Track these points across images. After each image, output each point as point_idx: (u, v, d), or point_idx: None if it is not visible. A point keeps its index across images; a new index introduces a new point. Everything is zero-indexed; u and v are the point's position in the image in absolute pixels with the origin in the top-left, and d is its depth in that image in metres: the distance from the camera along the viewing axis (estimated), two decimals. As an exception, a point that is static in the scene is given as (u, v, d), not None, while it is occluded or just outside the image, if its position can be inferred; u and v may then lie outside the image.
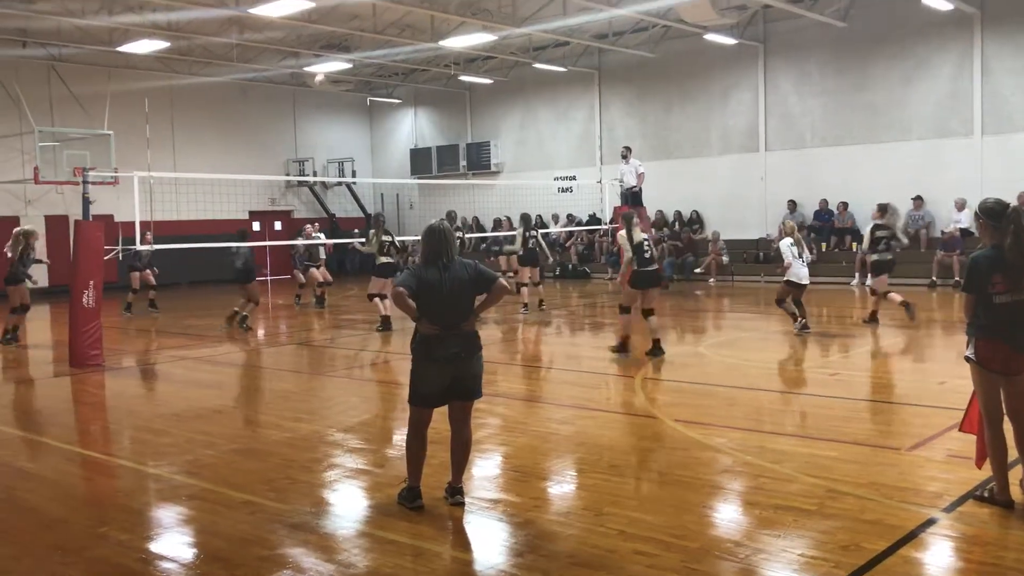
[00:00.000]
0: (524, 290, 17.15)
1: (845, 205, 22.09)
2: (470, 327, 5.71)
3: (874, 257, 14.04)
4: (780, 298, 13.41)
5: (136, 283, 18.82)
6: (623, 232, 11.81)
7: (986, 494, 5.49)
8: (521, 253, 17.16)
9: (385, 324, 14.76)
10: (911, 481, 6.05)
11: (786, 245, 13.26)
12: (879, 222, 14.20)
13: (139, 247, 15.17)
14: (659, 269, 12.18)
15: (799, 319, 13.23)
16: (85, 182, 12.49)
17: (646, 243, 11.61)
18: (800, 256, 13.15)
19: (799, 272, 13.17)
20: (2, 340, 14.44)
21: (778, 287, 13.63)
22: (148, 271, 18.99)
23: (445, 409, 5.79)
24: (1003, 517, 5.28)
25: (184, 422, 8.60)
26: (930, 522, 5.25)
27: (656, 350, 11.53)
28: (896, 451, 6.77)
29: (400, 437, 6.98)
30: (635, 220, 11.90)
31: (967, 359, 5.48)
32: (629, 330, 11.78)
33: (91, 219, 12.36)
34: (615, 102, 26.83)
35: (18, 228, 14.99)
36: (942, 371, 10.63)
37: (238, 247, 15.63)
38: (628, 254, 11.68)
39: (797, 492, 5.83)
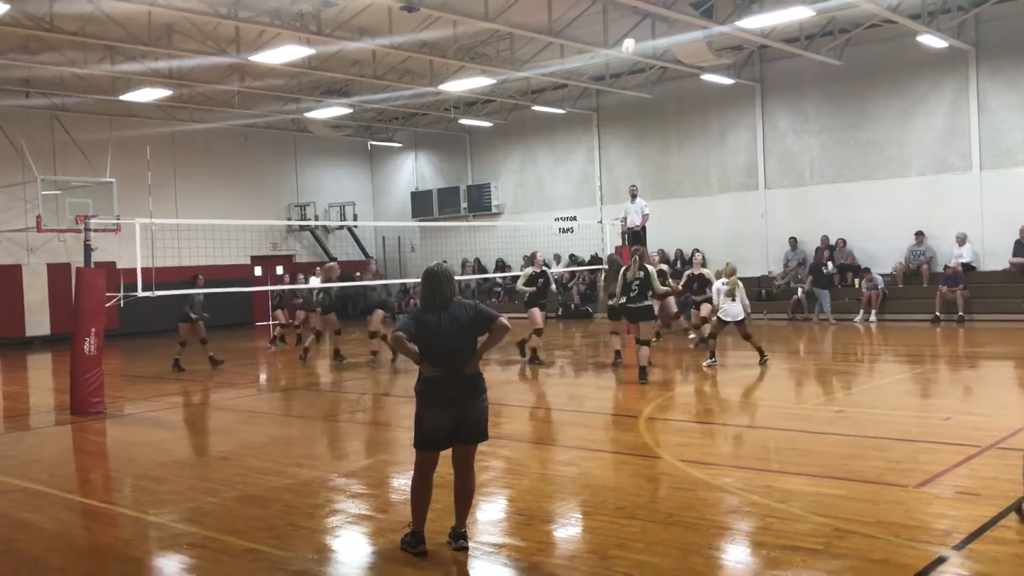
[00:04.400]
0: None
1: (844, 242, 22.12)
2: (472, 369, 5.68)
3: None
4: (713, 333, 14.25)
5: (184, 335, 16.86)
6: (650, 269, 12.98)
7: None
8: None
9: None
10: (919, 519, 5.97)
11: (717, 287, 14.00)
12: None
13: (193, 291, 15.60)
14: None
15: (713, 356, 14.05)
16: (87, 229, 12.53)
17: (635, 284, 12.68)
18: (732, 296, 13.70)
19: (728, 310, 13.71)
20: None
21: (712, 323, 14.42)
22: (200, 322, 16.97)
23: (449, 452, 5.74)
24: (1015, 555, 5.21)
25: (185, 469, 8.54)
26: (940, 560, 5.17)
27: (642, 376, 12.42)
28: (903, 488, 6.70)
29: (402, 481, 6.92)
30: (639, 258, 12.90)
31: None
32: (646, 359, 12.70)
33: (93, 266, 12.38)
34: (614, 143, 27.00)
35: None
36: (947, 407, 10.56)
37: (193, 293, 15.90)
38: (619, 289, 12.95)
39: (805, 532, 5.76)
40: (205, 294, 16.39)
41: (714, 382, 12.88)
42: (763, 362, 13.76)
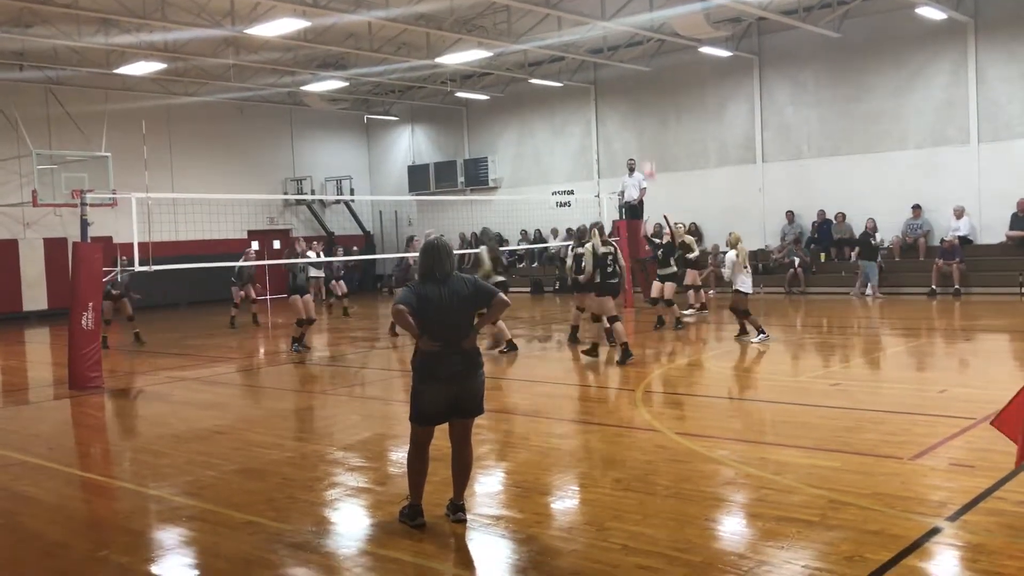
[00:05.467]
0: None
1: (843, 215, 22.11)
2: (471, 344, 5.69)
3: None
4: (740, 308, 13.93)
5: (108, 312, 16.21)
6: (588, 244, 12.66)
7: None
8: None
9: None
10: (914, 490, 6.02)
11: (730, 258, 13.89)
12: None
13: (117, 270, 14.60)
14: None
15: (753, 331, 13.77)
16: (83, 204, 12.49)
17: (609, 256, 12.38)
18: (745, 267, 13.80)
19: (747, 281, 13.81)
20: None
21: (732, 299, 14.21)
22: (125, 299, 17.05)
23: (446, 426, 5.77)
24: (1008, 526, 5.26)
25: (184, 443, 8.58)
26: (934, 531, 5.22)
27: (626, 354, 12.08)
28: (898, 460, 6.75)
29: (401, 455, 6.95)
30: (598, 232, 12.75)
31: None
32: (599, 337, 12.83)
33: (89, 241, 12.36)
34: (611, 116, 26.89)
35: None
36: (943, 379, 10.62)
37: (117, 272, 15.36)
38: (589, 267, 12.56)
39: (799, 503, 5.81)
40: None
41: (710, 355, 12.92)
42: (763, 339, 13.64)
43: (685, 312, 17.19)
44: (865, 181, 21.84)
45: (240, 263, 19.02)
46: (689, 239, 17.07)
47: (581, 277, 13.23)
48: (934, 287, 19.82)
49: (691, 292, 17.85)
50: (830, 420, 8.37)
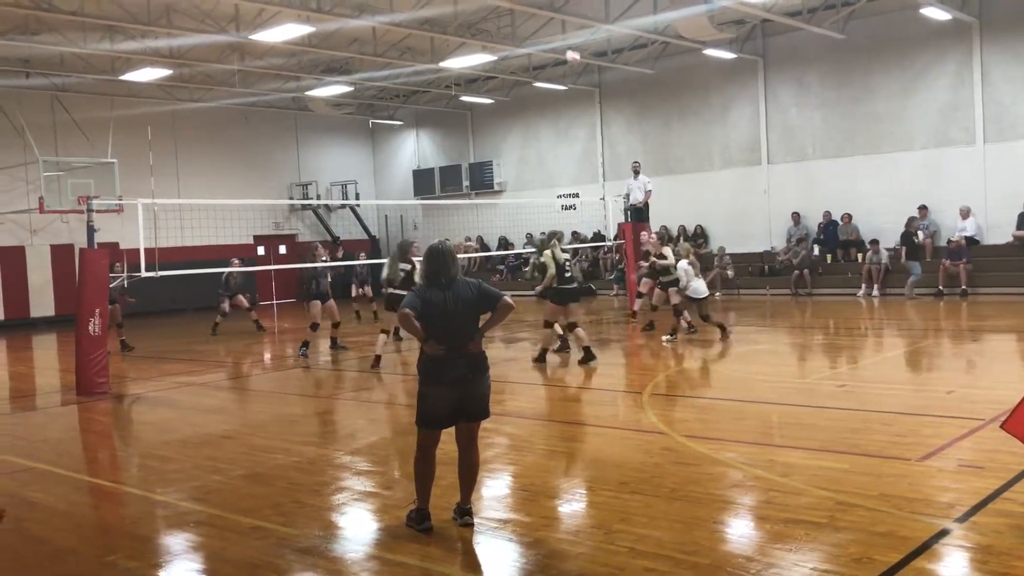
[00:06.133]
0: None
1: (849, 216, 22.08)
2: (476, 347, 5.69)
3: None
4: (680, 310, 14.54)
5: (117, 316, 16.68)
6: (548, 251, 12.71)
7: None
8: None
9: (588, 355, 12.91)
10: (922, 492, 6.00)
11: (683, 267, 14.33)
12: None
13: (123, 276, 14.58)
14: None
15: (685, 330, 14.60)
16: (89, 210, 12.51)
17: (568, 263, 12.53)
18: (697, 274, 14.32)
19: (697, 287, 14.22)
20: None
21: (679, 300, 14.59)
22: (115, 304, 16.45)
23: (452, 429, 5.77)
24: (1017, 527, 5.24)
25: (191, 448, 8.59)
26: (943, 533, 5.20)
27: (588, 356, 12.37)
28: (906, 462, 6.73)
29: (407, 458, 6.95)
30: (557, 240, 12.83)
31: None
32: (549, 343, 12.94)
33: (96, 247, 12.38)
34: (616, 119, 26.90)
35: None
36: (950, 380, 10.59)
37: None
38: (551, 271, 12.51)
39: (807, 505, 5.80)
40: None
41: (717, 358, 12.91)
42: (725, 338, 14.05)
43: (665, 339, 16.80)
44: (871, 182, 21.81)
45: (228, 270, 18.84)
46: (665, 250, 15.99)
47: (539, 287, 13.17)
48: (941, 287, 19.78)
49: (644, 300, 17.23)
50: (837, 421, 8.35)
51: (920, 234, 20.72)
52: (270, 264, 26.12)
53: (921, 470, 6.53)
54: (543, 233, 14.23)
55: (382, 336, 13.52)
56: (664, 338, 14.35)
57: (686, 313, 14.84)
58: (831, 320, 17.60)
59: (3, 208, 24.02)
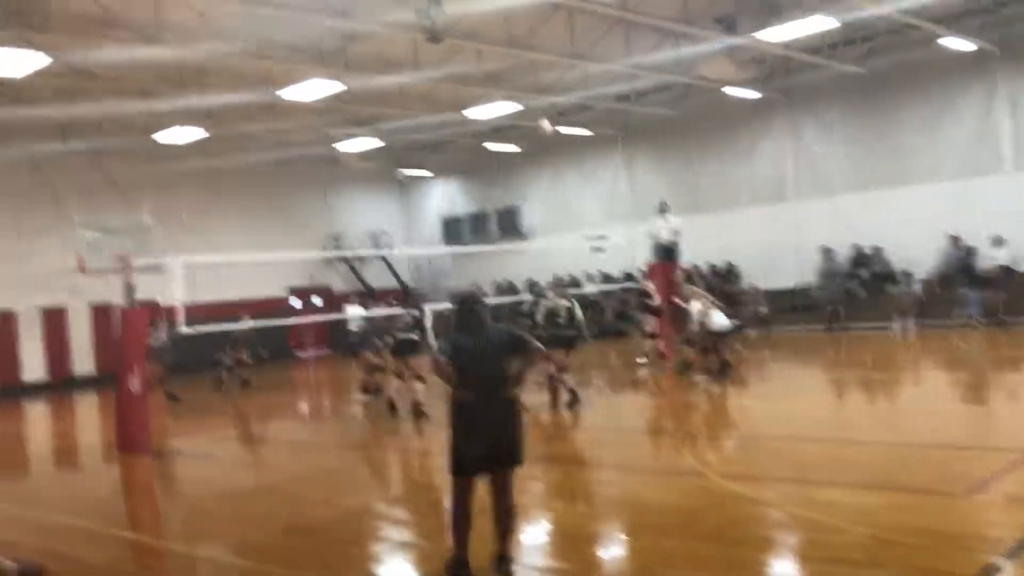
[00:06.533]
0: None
1: (879, 249, 21.94)
2: (507, 394, 5.72)
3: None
4: (707, 348, 14.26)
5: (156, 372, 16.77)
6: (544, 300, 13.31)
7: None
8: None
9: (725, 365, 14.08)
10: (968, 527, 5.92)
11: (695, 308, 14.15)
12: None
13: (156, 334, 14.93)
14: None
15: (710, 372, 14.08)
16: (128, 270, 12.76)
17: (563, 310, 12.81)
18: (712, 310, 14.11)
19: (718, 320, 14.00)
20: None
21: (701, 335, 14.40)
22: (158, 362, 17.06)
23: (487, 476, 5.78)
24: (1065, 560, 5.16)
25: (231, 502, 8.66)
26: (991, 569, 5.12)
27: (574, 400, 12.59)
28: (951, 496, 6.64)
29: (445, 508, 6.97)
30: (547, 290, 13.50)
31: None
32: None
33: (135, 306, 12.61)
34: (641, 160, 27.04)
35: None
36: (992, 412, 10.45)
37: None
38: (539, 319, 13.01)
39: (850, 544, 5.74)
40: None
41: (752, 396, 12.82)
42: (723, 376, 13.92)
43: (639, 360, 17.03)
44: (900, 214, 21.65)
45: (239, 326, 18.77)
46: (650, 287, 17.04)
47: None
48: (976, 318, 19.51)
49: (648, 341, 17.17)
50: (877, 457, 8.27)
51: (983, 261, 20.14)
52: (307, 316, 26.34)
53: (965, 505, 6.45)
54: (550, 281, 14.42)
55: (419, 384, 13.57)
56: (697, 378, 14.28)
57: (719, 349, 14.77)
58: (867, 354, 17.43)
59: (45, 270, 24.48)
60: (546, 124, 14.82)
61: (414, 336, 13.25)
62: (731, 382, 13.76)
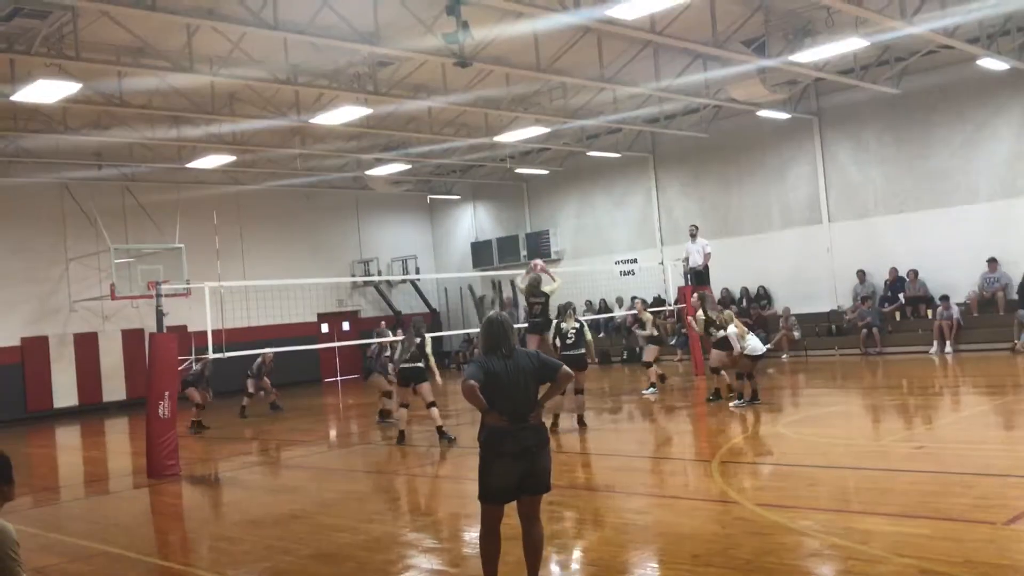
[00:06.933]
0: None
1: (915, 273, 21.63)
2: (536, 419, 5.64)
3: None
4: (744, 372, 14.22)
5: (196, 398, 17.50)
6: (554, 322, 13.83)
7: None
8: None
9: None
10: (1011, 557, 5.74)
11: (732, 333, 14.06)
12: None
13: (196, 359, 15.15)
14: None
15: (739, 394, 14.17)
16: (158, 295, 12.84)
17: (571, 331, 13.28)
18: (748, 333, 14.29)
19: (754, 345, 14.07)
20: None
21: (742, 360, 14.28)
22: (204, 390, 17.72)
23: (515, 504, 5.67)
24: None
25: (260, 528, 8.61)
26: (1036, 602, 4.95)
27: (580, 423, 13.17)
28: (992, 525, 6.45)
29: (473, 534, 6.87)
30: (572, 312, 13.68)
31: None
32: (581, 409, 13.49)
33: (165, 331, 12.67)
34: (671, 183, 26.93)
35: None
36: (1034, 438, 10.18)
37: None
38: (588, 338, 13.58)
39: (889, 574, 5.57)
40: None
41: (787, 422, 12.61)
42: (751, 402, 13.95)
43: (644, 392, 17.09)
44: (937, 236, 21.36)
45: (264, 352, 18.93)
46: (646, 316, 17.66)
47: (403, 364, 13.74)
48: (1016, 342, 19.15)
49: (651, 369, 17.38)
50: (916, 485, 8.06)
51: None
52: (334, 341, 26.43)
53: (1008, 534, 6.25)
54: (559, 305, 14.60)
55: (402, 409, 13.83)
56: (731, 404, 14.07)
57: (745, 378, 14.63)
58: (904, 379, 17.13)
59: (77, 296, 24.79)
60: (537, 264, 15.67)
61: (419, 364, 13.33)
62: (767, 407, 13.57)
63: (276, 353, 17.85)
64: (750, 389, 14.10)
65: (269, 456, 13.95)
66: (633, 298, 19.27)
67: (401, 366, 13.56)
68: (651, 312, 18.37)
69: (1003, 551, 5.87)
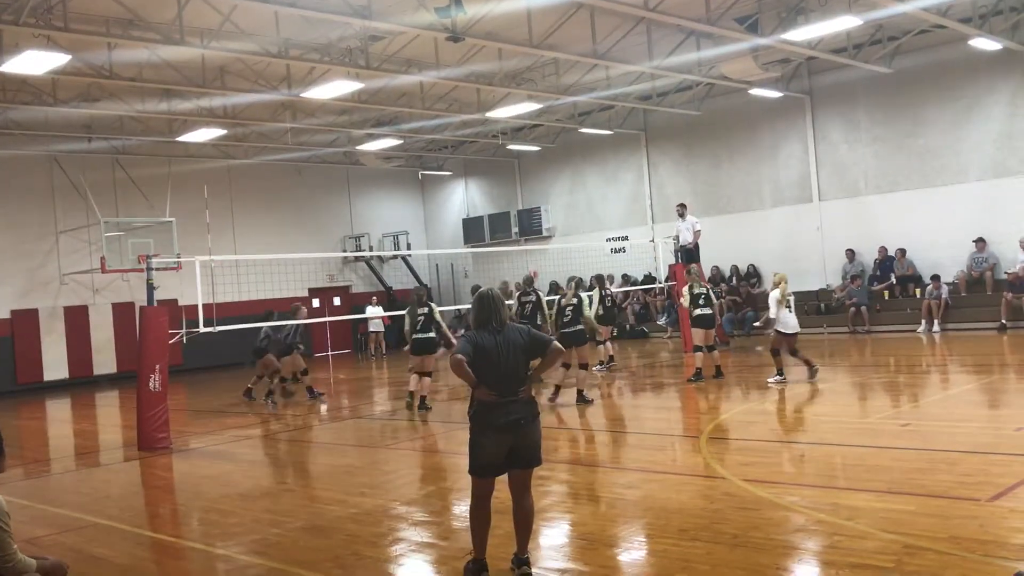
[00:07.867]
0: (605, 346, 17.86)
1: (903, 252, 21.72)
2: (527, 393, 5.68)
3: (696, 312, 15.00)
4: (775, 348, 13.90)
5: (289, 369, 16.78)
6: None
7: None
8: (601, 313, 17.41)
9: (697, 376, 14.57)
10: (994, 533, 5.81)
11: (773, 297, 13.76)
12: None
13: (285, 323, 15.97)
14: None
15: (779, 370, 13.75)
16: (149, 269, 12.82)
17: (569, 308, 13.36)
18: (788, 306, 13.76)
19: (787, 320, 13.68)
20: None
21: (771, 337, 14.19)
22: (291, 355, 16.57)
23: (506, 477, 5.73)
24: (1096, 568, 5.04)
25: (250, 501, 8.66)
26: (1018, 576, 5.02)
27: (580, 398, 13.15)
28: (976, 502, 6.53)
29: (462, 508, 6.93)
30: (575, 285, 13.94)
31: None
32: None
33: (156, 304, 12.66)
34: (663, 161, 26.91)
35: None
36: (1018, 417, 10.28)
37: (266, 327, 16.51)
38: (587, 313, 13.86)
39: (874, 549, 5.64)
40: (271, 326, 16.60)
41: (775, 399, 12.70)
42: (813, 375, 13.60)
43: (595, 370, 16.90)
44: (926, 216, 21.45)
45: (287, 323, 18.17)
46: (583, 296, 16.61)
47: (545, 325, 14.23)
48: (1004, 321, 19.29)
49: (600, 347, 17.57)
50: (902, 462, 8.15)
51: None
52: (325, 316, 26.42)
53: (992, 511, 6.33)
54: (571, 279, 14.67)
55: (424, 378, 13.95)
56: (769, 380, 13.76)
57: (714, 353, 14.94)
58: (891, 357, 17.25)
59: (68, 269, 24.71)
60: (533, 271, 15.93)
61: (431, 334, 13.54)
62: (805, 383, 13.62)
63: (268, 327, 17.60)
64: (781, 365, 13.72)
65: (261, 429, 13.99)
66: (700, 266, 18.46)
67: (414, 336, 13.76)
68: (587, 293, 17.10)
69: (986, 527, 5.95)
